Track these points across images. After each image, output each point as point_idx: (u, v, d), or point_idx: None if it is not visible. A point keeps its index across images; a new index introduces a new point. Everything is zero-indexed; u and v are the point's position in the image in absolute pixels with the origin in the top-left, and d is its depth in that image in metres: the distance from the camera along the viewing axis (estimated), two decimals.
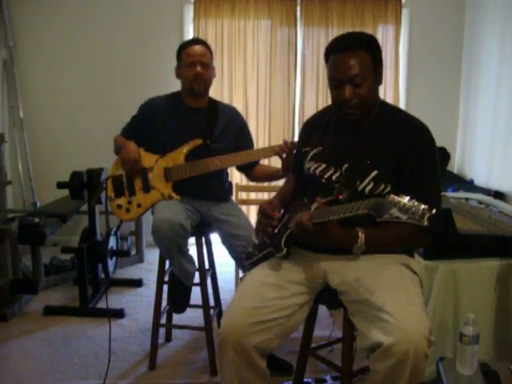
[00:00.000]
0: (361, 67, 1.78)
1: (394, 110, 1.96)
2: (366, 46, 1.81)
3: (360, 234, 1.72)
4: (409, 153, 1.80)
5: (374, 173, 1.81)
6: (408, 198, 1.39)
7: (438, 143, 1.89)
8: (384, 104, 1.96)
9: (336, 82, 1.83)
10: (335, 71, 1.83)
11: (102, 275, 3.70)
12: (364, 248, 1.73)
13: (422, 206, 1.36)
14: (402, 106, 4.98)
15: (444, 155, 4.67)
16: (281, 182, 3.38)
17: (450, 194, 3.60)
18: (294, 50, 4.93)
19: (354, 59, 1.78)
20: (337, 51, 1.82)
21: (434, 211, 1.36)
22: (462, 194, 3.54)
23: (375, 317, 1.62)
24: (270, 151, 2.67)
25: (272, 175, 2.85)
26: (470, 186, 4.47)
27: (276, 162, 2.73)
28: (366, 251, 1.75)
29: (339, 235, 1.74)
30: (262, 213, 1.98)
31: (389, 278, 1.75)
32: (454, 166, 5.07)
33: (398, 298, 1.65)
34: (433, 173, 1.83)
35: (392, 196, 1.41)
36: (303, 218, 1.71)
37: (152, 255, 4.52)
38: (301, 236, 1.77)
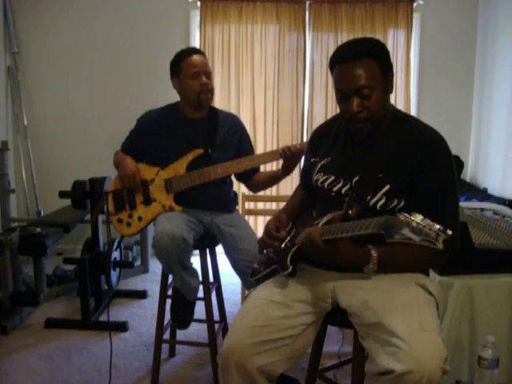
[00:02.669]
0: (367, 77, 1.66)
1: (406, 119, 1.84)
2: (372, 52, 1.68)
3: (373, 253, 1.59)
4: (423, 167, 1.68)
5: (387, 187, 1.69)
6: (421, 216, 1.28)
7: (451, 151, 1.77)
8: (396, 112, 1.84)
9: (342, 94, 1.72)
10: (340, 83, 1.72)
11: (106, 287, 3.62)
12: (376, 269, 1.60)
13: (437, 227, 1.25)
14: (413, 112, 4.88)
15: (457, 163, 4.55)
16: (290, 192, 3.30)
17: (463, 203, 3.48)
18: (303, 55, 4.84)
19: (359, 69, 1.66)
20: (341, 61, 1.70)
21: (449, 232, 1.25)
22: (476, 204, 3.42)
23: (387, 342, 1.51)
24: (273, 155, 2.58)
25: (272, 178, 2.73)
26: (483, 194, 4.35)
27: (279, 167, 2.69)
28: (377, 271, 1.63)
29: (350, 254, 1.60)
30: (266, 232, 1.88)
31: (403, 301, 1.63)
32: (467, 174, 4.95)
33: (412, 322, 1.53)
34: (449, 188, 1.70)
35: (404, 214, 1.30)
36: (314, 233, 1.58)
37: (157, 266, 4.41)
38: (310, 253, 1.64)
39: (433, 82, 4.91)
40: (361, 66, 1.66)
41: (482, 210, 3.12)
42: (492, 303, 2.23)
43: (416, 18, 4.81)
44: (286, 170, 2.58)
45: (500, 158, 4.39)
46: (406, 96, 4.82)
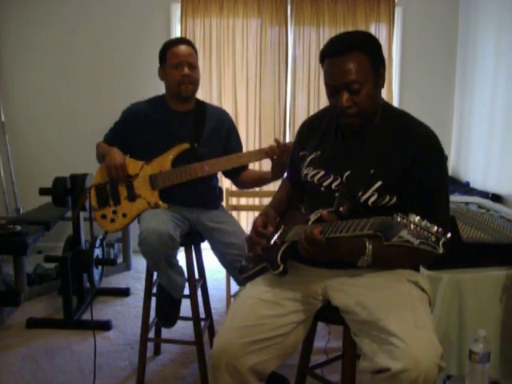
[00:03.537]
0: (357, 72, 1.62)
1: (398, 114, 1.81)
2: (363, 47, 1.65)
3: (368, 245, 1.57)
4: (415, 163, 1.66)
5: (379, 183, 1.67)
6: (418, 217, 1.25)
7: (443, 147, 1.76)
8: (387, 107, 1.82)
9: (332, 88, 1.69)
10: (330, 77, 1.68)
11: (88, 285, 3.56)
12: (370, 261, 1.58)
13: (435, 229, 1.23)
14: (395, 106, 4.87)
15: None
16: (273, 187, 3.27)
17: None
18: (285, 49, 4.81)
19: (349, 63, 1.62)
20: (331, 55, 1.67)
21: (449, 235, 1.23)
22: (460, 198, 3.43)
23: (382, 339, 1.50)
24: (262, 153, 2.53)
25: (260, 179, 2.69)
26: (465, 188, 4.37)
27: (267, 167, 2.61)
28: (371, 265, 1.61)
29: (348, 247, 1.58)
30: (254, 229, 1.84)
31: (397, 298, 1.62)
32: (449, 167, 4.97)
33: (407, 319, 1.52)
34: (441, 185, 1.70)
35: (400, 215, 1.27)
36: (314, 231, 1.53)
37: (139, 263, 4.38)
38: (311, 250, 1.57)
39: (415, 76, 4.92)
40: (351, 61, 1.63)
41: (467, 203, 3.12)
42: (480, 297, 2.22)
43: (398, 12, 4.81)
44: (276, 174, 2.52)
45: (482, 151, 4.41)
46: (389, 90, 4.82)
